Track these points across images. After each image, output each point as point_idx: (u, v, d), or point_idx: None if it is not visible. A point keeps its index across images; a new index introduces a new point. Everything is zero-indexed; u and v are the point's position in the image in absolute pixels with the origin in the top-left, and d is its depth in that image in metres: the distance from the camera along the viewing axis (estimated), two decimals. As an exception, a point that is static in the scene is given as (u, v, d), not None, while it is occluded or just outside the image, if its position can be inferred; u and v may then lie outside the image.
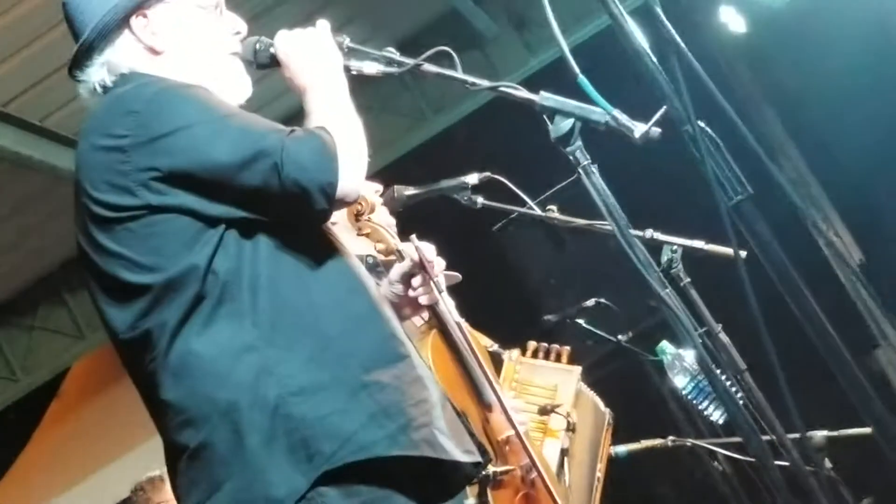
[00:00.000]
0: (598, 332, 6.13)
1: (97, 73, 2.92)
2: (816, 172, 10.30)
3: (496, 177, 4.33)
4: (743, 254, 4.15)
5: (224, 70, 2.98)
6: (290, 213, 2.74)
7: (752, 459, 4.40)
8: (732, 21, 9.05)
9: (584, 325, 6.12)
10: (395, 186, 4.34)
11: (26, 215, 8.38)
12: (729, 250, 4.26)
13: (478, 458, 2.93)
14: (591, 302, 6.13)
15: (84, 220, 2.81)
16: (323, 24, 3.02)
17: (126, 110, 2.74)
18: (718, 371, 4.67)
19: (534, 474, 3.67)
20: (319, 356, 2.71)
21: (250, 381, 2.66)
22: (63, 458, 8.48)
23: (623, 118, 2.41)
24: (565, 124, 2.73)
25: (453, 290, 5.23)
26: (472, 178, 4.31)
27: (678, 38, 2.20)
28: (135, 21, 2.90)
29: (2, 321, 9.77)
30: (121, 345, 2.83)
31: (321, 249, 2.87)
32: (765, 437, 2.95)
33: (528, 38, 9.13)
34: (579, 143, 2.73)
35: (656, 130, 2.40)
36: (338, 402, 2.68)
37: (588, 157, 2.73)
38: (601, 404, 4.83)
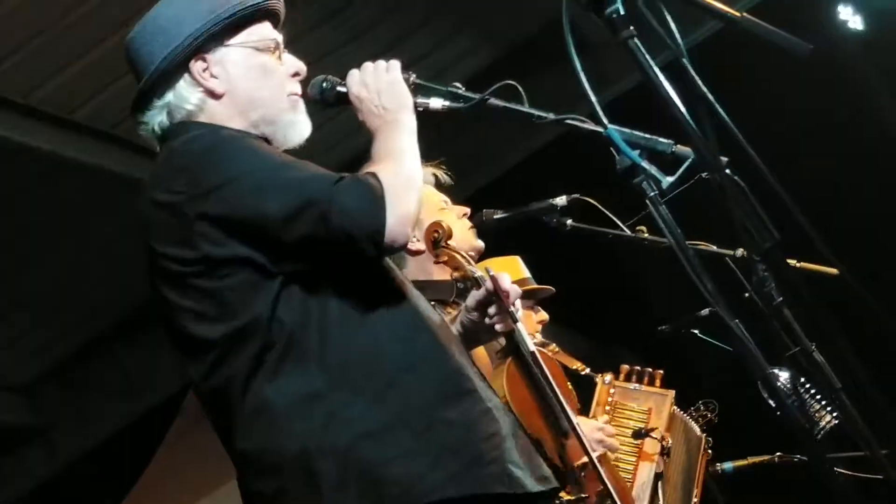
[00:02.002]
0: (714, 342, 6.05)
1: (157, 116, 2.99)
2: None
3: (585, 198, 4.30)
4: (835, 271, 4.13)
5: (283, 112, 3.02)
6: (342, 260, 2.76)
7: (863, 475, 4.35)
8: (851, 19, 8.90)
9: (700, 335, 6.04)
10: (484, 210, 4.37)
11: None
12: (825, 268, 4.25)
13: (553, 483, 2.94)
14: (705, 311, 6.05)
15: (153, 276, 2.88)
16: (395, 65, 3.03)
17: (181, 165, 2.81)
18: (813, 391, 4.64)
19: (609, 502, 3.65)
20: (385, 397, 2.74)
21: (320, 427, 2.70)
22: (187, 474, 8.63)
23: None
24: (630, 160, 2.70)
25: (562, 300, 5.23)
26: (561, 200, 4.31)
27: (705, 88, 2.17)
28: (194, 65, 2.96)
29: (125, 338, 9.97)
30: (200, 395, 2.91)
31: (383, 289, 2.89)
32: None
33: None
34: (644, 175, 2.71)
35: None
36: (405, 444, 2.71)
37: (655, 188, 2.70)
38: (697, 428, 4.78)
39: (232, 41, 2.99)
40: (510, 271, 4.65)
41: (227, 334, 2.76)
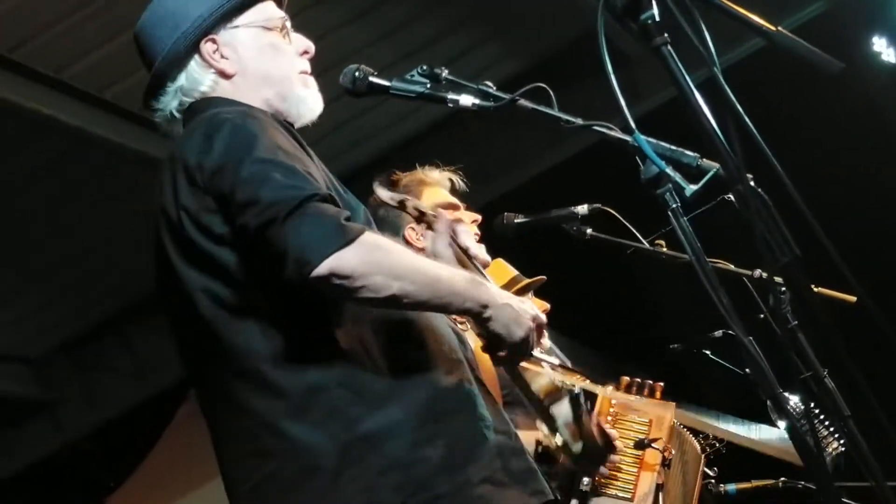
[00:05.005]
0: (726, 364, 6.04)
1: (172, 101, 2.99)
2: None
3: (606, 209, 4.31)
4: (853, 299, 4.12)
5: (294, 88, 3.01)
6: (261, 266, 2.67)
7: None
8: (884, 51, 8.94)
9: (711, 356, 6.03)
10: (505, 214, 4.38)
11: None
12: (844, 295, 4.25)
13: (547, 496, 2.90)
14: (719, 333, 6.04)
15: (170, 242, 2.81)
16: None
17: (200, 137, 2.75)
18: (821, 416, 4.64)
19: None
20: (382, 409, 2.69)
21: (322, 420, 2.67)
22: (191, 459, 8.64)
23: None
24: (656, 167, 2.70)
25: (573, 311, 5.24)
26: (582, 209, 4.32)
27: (734, 100, 2.18)
28: (204, 46, 2.96)
29: (138, 321, 9.97)
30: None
31: None
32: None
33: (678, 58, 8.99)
34: (669, 185, 2.70)
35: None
36: (365, 478, 2.65)
37: (678, 200, 2.70)
38: (696, 444, 4.78)
39: (240, 21, 3.00)
40: (499, 275, 4.68)
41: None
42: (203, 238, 2.71)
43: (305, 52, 3.08)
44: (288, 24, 3.08)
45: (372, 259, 2.58)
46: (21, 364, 10.04)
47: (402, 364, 2.76)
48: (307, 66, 3.07)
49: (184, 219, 2.72)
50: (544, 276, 4.98)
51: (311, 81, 3.07)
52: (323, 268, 2.51)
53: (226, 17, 2.98)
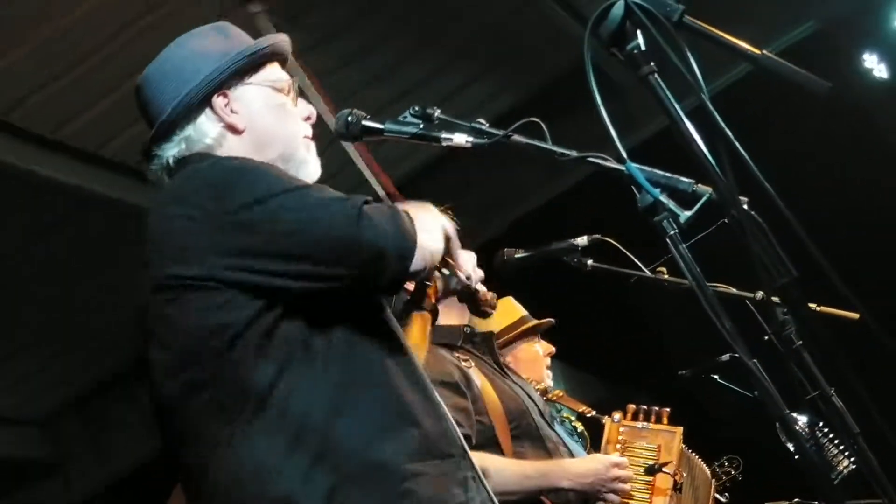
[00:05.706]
0: (735, 387, 6.04)
1: (173, 149, 2.97)
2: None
3: (606, 239, 4.33)
4: (856, 316, 4.13)
5: (297, 152, 3.03)
6: (362, 283, 2.72)
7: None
8: (875, 67, 8.99)
9: (720, 380, 6.03)
10: (506, 249, 4.40)
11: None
12: (846, 313, 4.26)
13: None
14: (726, 357, 6.05)
15: (150, 291, 2.82)
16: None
17: (206, 182, 2.77)
18: (831, 435, 4.64)
19: None
20: (375, 444, 2.70)
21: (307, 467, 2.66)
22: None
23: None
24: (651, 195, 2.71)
25: (580, 343, 5.27)
26: (582, 241, 4.34)
27: (724, 126, 2.19)
28: (215, 100, 2.96)
29: (142, 374, 9.90)
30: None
31: (382, 338, 2.86)
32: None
33: (668, 86, 9.02)
34: (666, 213, 2.71)
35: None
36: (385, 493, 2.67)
37: (675, 226, 2.71)
38: (706, 467, 4.80)
39: (251, 79, 3.02)
40: (507, 313, 4.70)
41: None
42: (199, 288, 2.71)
43: (308, 118, 3.10)
44: (295, 87, 3.11)
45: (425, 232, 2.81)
46: (27, 425, 10.00)
47: (398, 405, 2.76)
48: (310, 132, 3.09)
49: (177, 270, 2.74)
50: (552, 319, 4.99)
51: (313, 147, 3.09)
52: (418, 257, 2.74)
53: (238, 73, 3.00)
